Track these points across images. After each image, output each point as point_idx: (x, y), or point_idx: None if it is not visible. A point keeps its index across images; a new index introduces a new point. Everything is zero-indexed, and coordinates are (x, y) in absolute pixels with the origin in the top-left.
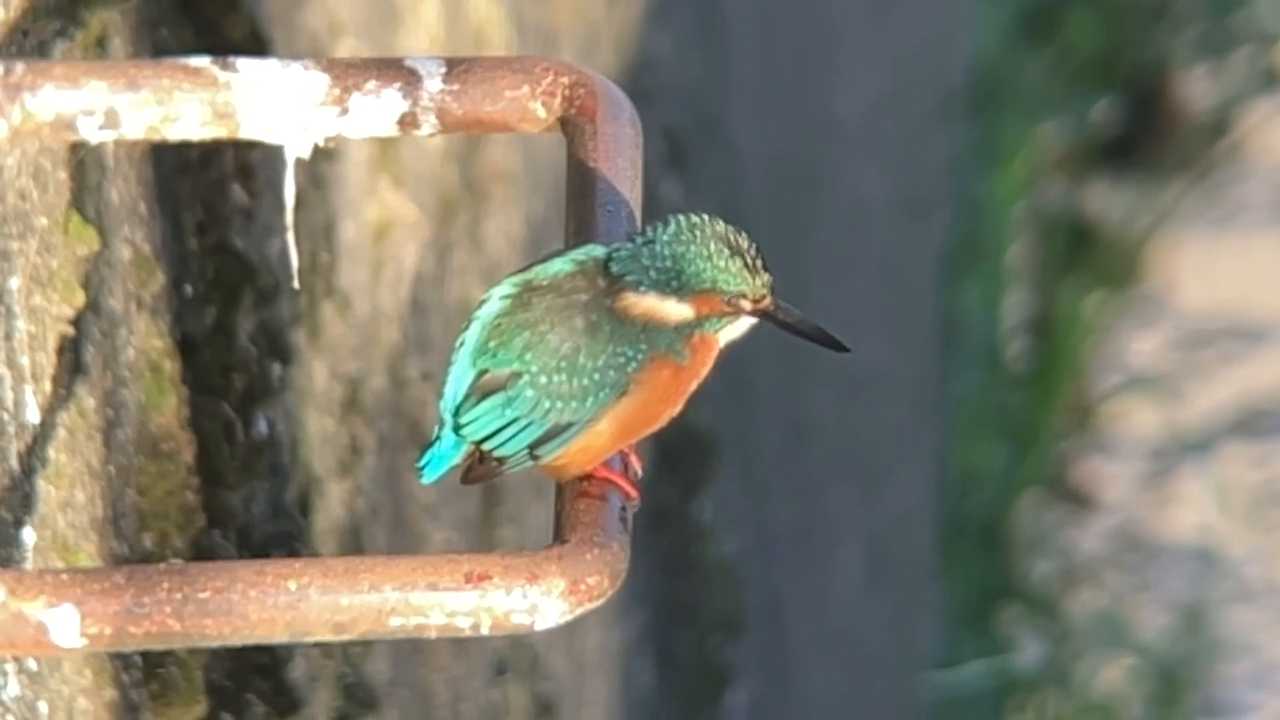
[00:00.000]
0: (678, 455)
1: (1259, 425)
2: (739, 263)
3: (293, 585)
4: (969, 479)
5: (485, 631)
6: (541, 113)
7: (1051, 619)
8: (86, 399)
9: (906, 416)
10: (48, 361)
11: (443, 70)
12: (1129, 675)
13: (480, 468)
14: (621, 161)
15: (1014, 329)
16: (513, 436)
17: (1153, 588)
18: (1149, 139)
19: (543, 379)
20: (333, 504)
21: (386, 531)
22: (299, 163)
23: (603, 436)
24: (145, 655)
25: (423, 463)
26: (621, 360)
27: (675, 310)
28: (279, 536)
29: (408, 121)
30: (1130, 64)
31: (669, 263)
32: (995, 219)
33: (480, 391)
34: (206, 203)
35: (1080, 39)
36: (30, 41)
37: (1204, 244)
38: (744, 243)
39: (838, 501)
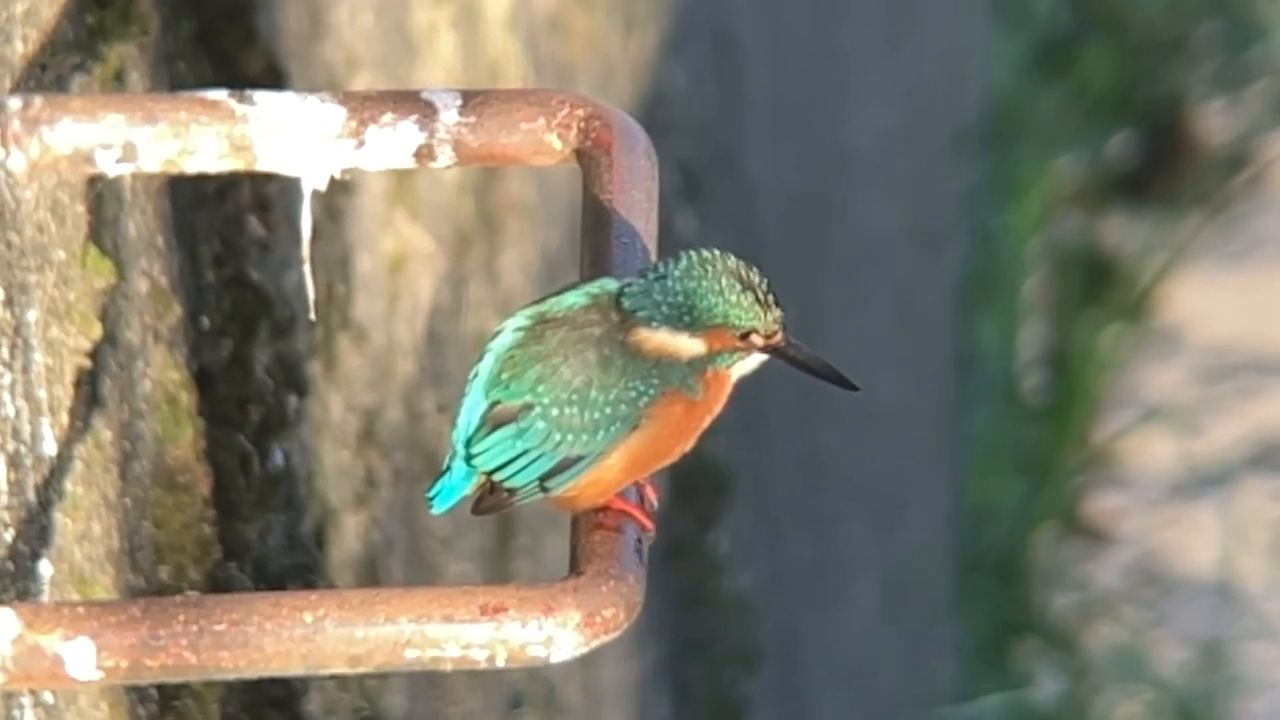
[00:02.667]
0: (693, 488)
1: (1277, 459)
2: (750, 298)
3: (309, 617)
4: (985, 513)
5: (501, 664)
6: (557, 145)
7: (1069, 654)
8: (103, 431)
9: (922, 450)
10: (65, 394)
11: (459, 103)
12: (1147, 711)
13: (491, 498)
14: (637, 194)
15: (1030, 363)
16: (523, 468)
17: (1170, 623)
18: (1165, 173)
19: (554, 411)
20: (348, 536)
21: (402, 564)
22: (316, 195)
23: (613, 470)
24: (161, 688)
25: (433, 493)
26: (633, 394)
27: (687, 345)
28: (295, 569)
29: (424, 154)
30: (1146, 98)
31: (681, 298)
32: (1011, 252)
33: (492, 422)
34: (223, 235)
35: (1096, 73)
36: (48, 76)
37: (1221, 278)
38: (756, 278)
39: (853, 535)
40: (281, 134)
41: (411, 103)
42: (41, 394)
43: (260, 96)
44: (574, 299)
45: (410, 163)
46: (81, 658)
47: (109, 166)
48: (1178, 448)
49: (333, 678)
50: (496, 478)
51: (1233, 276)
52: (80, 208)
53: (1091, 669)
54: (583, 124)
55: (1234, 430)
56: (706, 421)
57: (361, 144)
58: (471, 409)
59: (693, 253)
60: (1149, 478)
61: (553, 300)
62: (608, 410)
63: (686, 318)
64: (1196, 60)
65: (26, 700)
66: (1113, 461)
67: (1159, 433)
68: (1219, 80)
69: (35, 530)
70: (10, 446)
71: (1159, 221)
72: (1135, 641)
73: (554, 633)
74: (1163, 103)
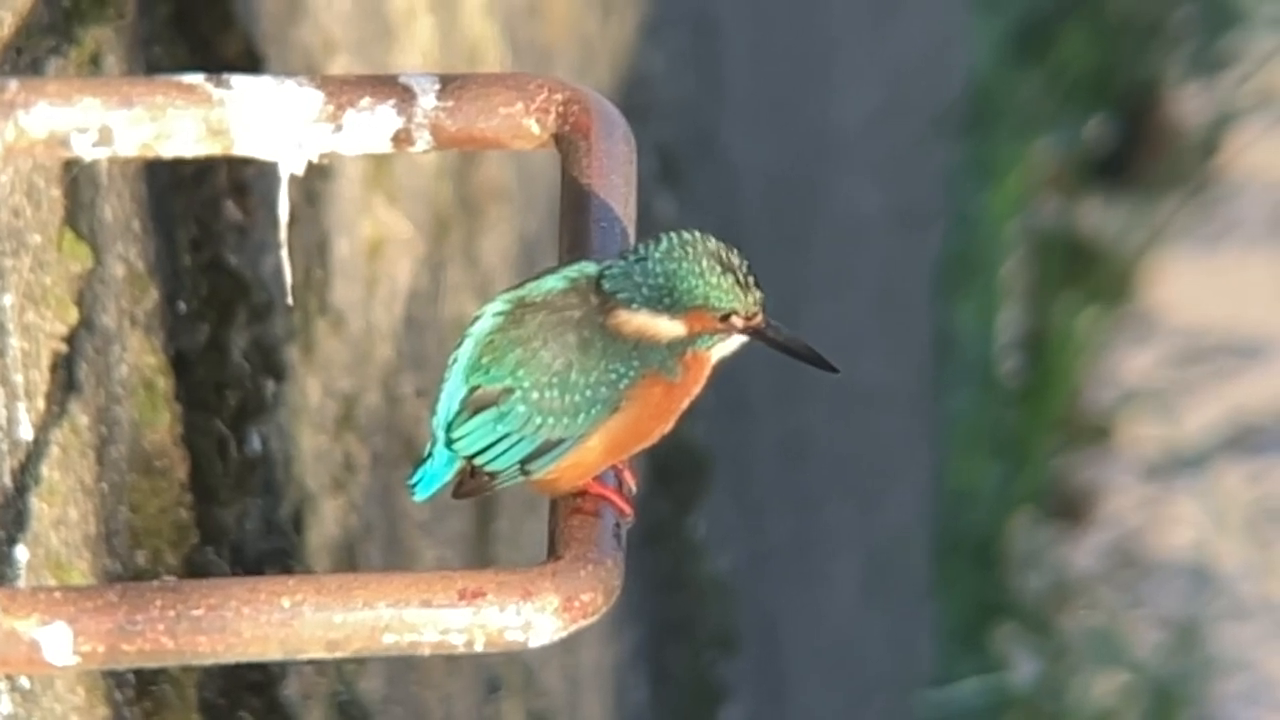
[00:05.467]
0: (672, 471)
1: (1253, 441)
2: (731, 279)
3: (286, 602)
4: (963, 495)
5: (479, 648)
6: (536, 129)
7: (1046, 636)
8: (80, 416)
9: (901, 432)
10: (41, 379)
11: (437, 87)
12: (1124, 692)
13: (471, 482)
14: (615, 178)
15: (1008, 345)
16: (504, 452)
17: (1147, 604)
18: (1142, 157)
19: (534, 395)
20: (326, 521)
21: (380, 548)
22: (293, 179)
23: (594, 453)
24: (138, 673)
25: (415, 480)
26: (613, 377)
27: (667, 327)
28: (272, 554)
29: (402, 138)
30: (1123, 82)
31: (661, 280)
32: (989, 236)
33: (472, 407)
34: (200, 219)
35: (1074, 57)
36: (24, 59)
37: (1197, 261)
38: (736, 259)
39: (832, 517)
40: (259, 118)
41: (389, 87)
42: (17, 379)
43: (237, 80)
44: (553, 282)
45: (388, 147)
46: (58, 643)
47: (85, 150)
48: (1155, 430)
49: (310, 662)
50: (477, 462)
51: (1209, 259)
52: (56, 192)
53: (1068, 651)
54: (561, 108)
55: (1210, 413)
56: (686, 403)
57: (339, 128)
58: (451, 394)
59: (673, 234)
60: (1126, 460)
61: (532, 284)
62: (588, 393)
63: (666, 299)
64: (1174, 44)
65: (3, 685)
66: (1090, 444)
67: (1136, 415)
68: (1196, 64)
69: (11, 515)
70: None
71: (1136, 205)
72: (1112, 623)
73: (532, 617)
74: (1140, 87)
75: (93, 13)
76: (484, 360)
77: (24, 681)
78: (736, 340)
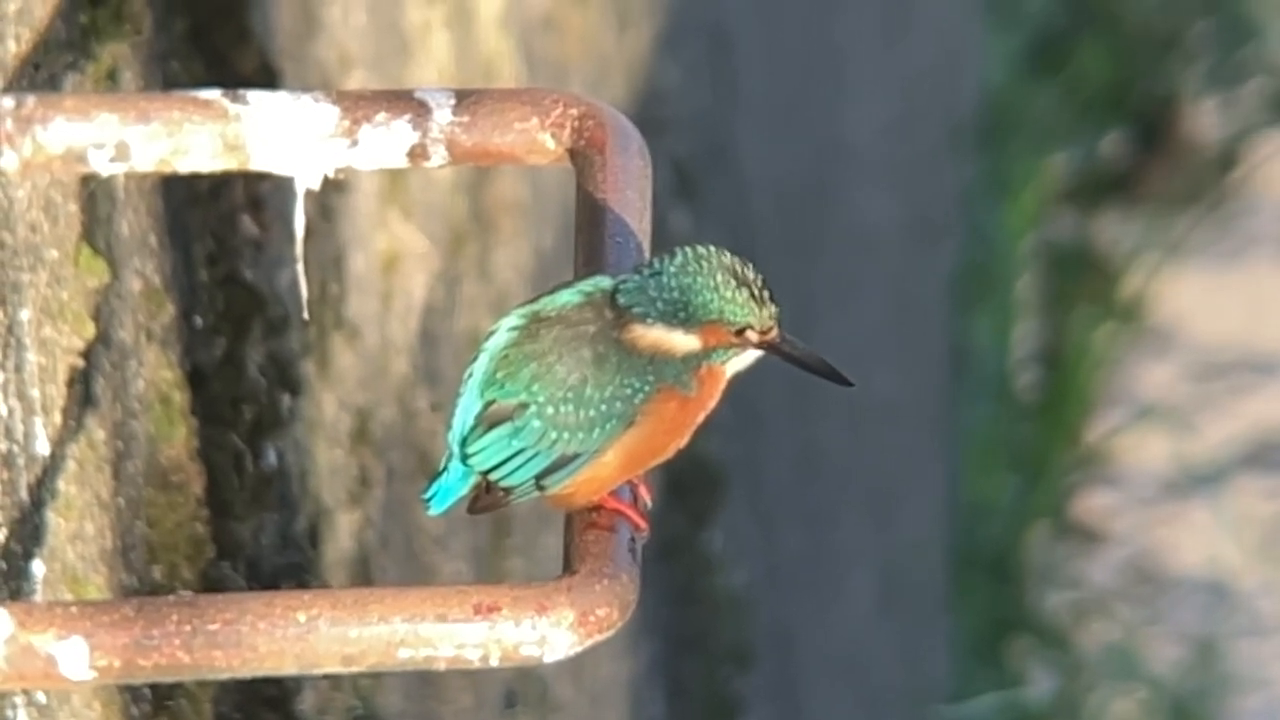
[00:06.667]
0: (687, 485)
1: (1270, 458)
2: (745, 294)
3: (302, 617)
4: (979, 510)
5: (494, 663)
6: (551, 144)
7: (1062, 651)
8: (96, 431)
9: (916, 446)
10: (58, 393)
11: (452, 102)
12: (1140, 708)
13: (487, 497)
14: (630, 193)
15: (1024, 360)
16: (519, 467)
17: (1164, 620)
18: (1158, 171)
19: (549, 410)
20: (342, 535)
21: (396, 563)
22: (309, 194)
23: (609, 468)
24: (154, 687)
25: (430, 494)
26: (628, 392)
27: (682, 341)
28: (288, 568)
29: (417, 153)
30: (1140, 96)
31: (676, 294)
32: (1004, 250)
33: (487, 422)
34: (216, 234)
35: (1090, 70)
36: (41, 74)
37: (1213, 276)
38: (751, 274)
39: (847, 531)
40: (275, 133)
41: (405, 102)
42: (34, 393)
43: (253, 96)
44: (568, 297)
45: (404, 162)
46: (75, 657)
47: (102, 166)
48: (1171, 446)
49: (326, 677)
50: (492, 477)
51: (1225, 275)
52: (73, 207)
53: (1085, 667)
54: (576, 123)
55: (1227, 429)
56: (701, 418)
57: (355, 143)
58: (467, 409)
59: (688, 249)
60: (1142, 476)
61: (547, 299)
62: (603, 408)
63: (681, 314)
64: (1190, 58)
65: (20, 700)
66: (1106, 459)
67: (1152, 431)
68: (1213, 79)
69: (28, 530)
70: (3, 446)
71: (1152, 220)
72: (1129, 639)
73: (548, 632)
74: (1156, 101)
75: (110, 28)
76: (499, 375)
77: (41, 696)
78: (751, 354)
